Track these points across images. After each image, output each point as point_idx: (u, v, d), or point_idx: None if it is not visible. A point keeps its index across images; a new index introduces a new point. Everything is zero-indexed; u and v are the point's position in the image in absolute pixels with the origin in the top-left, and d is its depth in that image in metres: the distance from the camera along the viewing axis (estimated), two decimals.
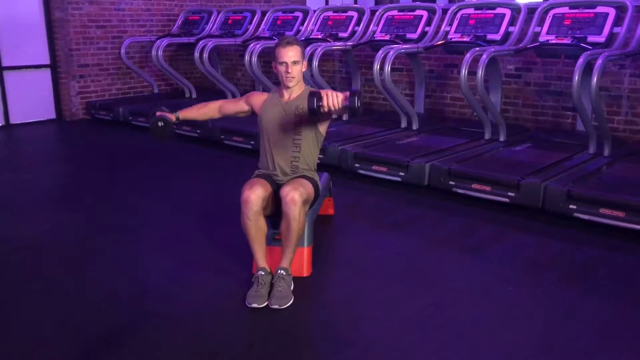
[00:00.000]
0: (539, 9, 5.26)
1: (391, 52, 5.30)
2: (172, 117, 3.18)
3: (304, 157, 3.12)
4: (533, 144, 5.07)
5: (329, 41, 6.27)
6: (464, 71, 4.85)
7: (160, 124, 3.10)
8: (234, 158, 5.66)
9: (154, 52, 7.50)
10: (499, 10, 5.49)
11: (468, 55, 4.88)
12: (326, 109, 2.64)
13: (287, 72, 3.00)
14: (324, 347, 2.52)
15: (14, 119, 7.37)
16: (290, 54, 2.98)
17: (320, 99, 2.66)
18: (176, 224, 3.93)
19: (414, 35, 5.90)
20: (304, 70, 3.09)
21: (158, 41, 7.58)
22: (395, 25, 6.09)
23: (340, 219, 3.97)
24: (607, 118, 5.21)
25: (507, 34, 5.35)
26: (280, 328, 2.64)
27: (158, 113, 3.15)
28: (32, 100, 7.52)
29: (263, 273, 2.89)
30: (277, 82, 3.18)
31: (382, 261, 3.34)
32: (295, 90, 3.11)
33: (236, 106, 3.30)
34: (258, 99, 3.23)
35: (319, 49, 5.76)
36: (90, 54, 7.78)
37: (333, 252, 3.53)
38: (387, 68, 5.26)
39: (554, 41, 4.97)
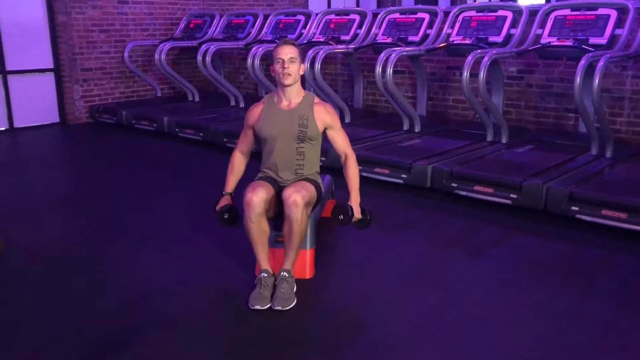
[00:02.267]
0: (541, 11, 5.27)
1: (393, 55, 5.31)
2: (229, 200, 3.17)
3: (307, 162, 3.12)
4: (535, 146, 5.07)
5: (331, 44, 6.29)
6: (465, 73, 4.86)
7: (225, 216, 3.13)
8: None
9: (157, 56, 7.53)
10: (500, 13, 5.50)
11: (470, 57, 4.89)
12: (345, 225, 3.07)
13: (284, 68, 2.97)
14: (327, 349, 2.52)
15: (18, 123, 7.40)
16: (287, 51, 2.97)
17: (345, 215, 3.06)
18: (179, 226, 3.95)
19: (416, 38, 5.91)
20: (301, 73, 3.08)
21: (161, 45, 7.61)
22: (397, 28, 6.11)
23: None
24: (609, 119, 5.21)
25: (509, 36, 5.36)
26: (283, 330, 2.64)
27: (218, 207, 3.16)
28: (35, 104, 7.56)
29: (266, 275, 2.89)
30: None
31: (385, 263, 3.34)
32: (294, 95, 3.09)
33: (247, 138, 3.23)
34: (253, 115, 3.16)
35: (322, 52, 5.77)
36: (94, 58, 7.81)
37: (336, 254, 3.54)
38: (390, 71, 5.27)
39: (555, 43, 4.97)
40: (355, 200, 3.10)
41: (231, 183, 3.24)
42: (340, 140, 3.18)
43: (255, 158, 3.24)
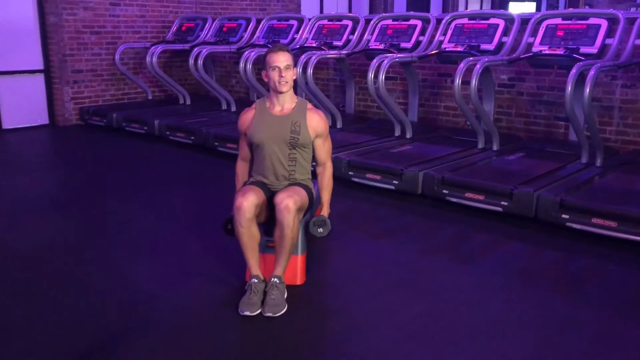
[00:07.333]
0: (532, 20, 5.31)
1: (385, 61, 5.32)
2: None
3: (299, 168, 3.11)
4: (526, 154, 5.09)
5: (323, 49, 6.29)
6: (457, 80, 4.87)
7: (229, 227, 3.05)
8: (227, 165, 5.61)
9: (148, 59, 7.50)
10: (492, 21, 5.53)
11: (462, 64, 4.91)
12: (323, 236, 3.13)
13: (281, 77, 2.97)
14: (318, 356, 2.51)
15: (7, 124, 7.33)
16: (282, 59, 2.97)
17: (325, 227, 3.13)
18: (169, 230, 3.92)
19: (408, 45, 5.93)
20: (294, 77, 3.08)
21: (152, 48, 7.58)
22: (389, 34, 6.12)
23: (334, 226, 3.93)
24: (599, 128, 5.24)
25: (501, 44, 5.39)
26: (273, 336, 2.63)
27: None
28: (25, 106, 7.49)
29: (256, 281, 2.87)
30: None
31: (376, 269, 3.33)
32: (288, 101, 3.08)
33: (245, 145, 3.21)
34: (245, 120, 3.14)
35: (314, 57, 5.77)
36: (85, 60, 7.76)
37: (327, 260, 3.53)
38: (382, 77, 5.28)
39: (547, 52, 5.00)
40: (327, 212, 3.23)
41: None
42: (325, 150, 3.20)
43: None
